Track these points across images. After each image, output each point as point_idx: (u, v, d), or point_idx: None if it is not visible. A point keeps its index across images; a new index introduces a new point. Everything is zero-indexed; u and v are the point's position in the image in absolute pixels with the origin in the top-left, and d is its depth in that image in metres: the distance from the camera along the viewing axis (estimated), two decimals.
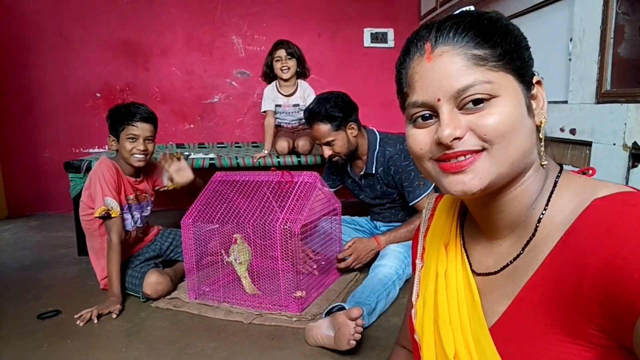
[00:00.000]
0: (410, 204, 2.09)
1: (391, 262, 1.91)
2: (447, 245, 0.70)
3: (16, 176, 3.45)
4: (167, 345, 1.55)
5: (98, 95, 3.49)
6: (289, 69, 2.66)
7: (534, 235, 0.58)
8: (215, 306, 1.83)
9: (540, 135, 0.60)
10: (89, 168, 2.44)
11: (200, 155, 2.74)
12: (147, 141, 1.97)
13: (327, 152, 2.10)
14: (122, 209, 1.93)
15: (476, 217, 0.67)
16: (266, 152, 2.66)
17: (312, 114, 2.07)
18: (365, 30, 3.64)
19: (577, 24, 1.84)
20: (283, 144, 2.68)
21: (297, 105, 2.74)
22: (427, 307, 0.68)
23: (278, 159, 2.64)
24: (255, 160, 2.61)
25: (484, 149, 0.55)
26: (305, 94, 2.71)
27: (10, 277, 2.19)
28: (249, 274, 1.87)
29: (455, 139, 0.55)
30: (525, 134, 0.56)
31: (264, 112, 2.78)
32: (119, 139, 1.96)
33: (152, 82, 3.54)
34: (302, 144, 2.66)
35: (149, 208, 2.13)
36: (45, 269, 2.32)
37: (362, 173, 2.22)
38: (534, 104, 0.59)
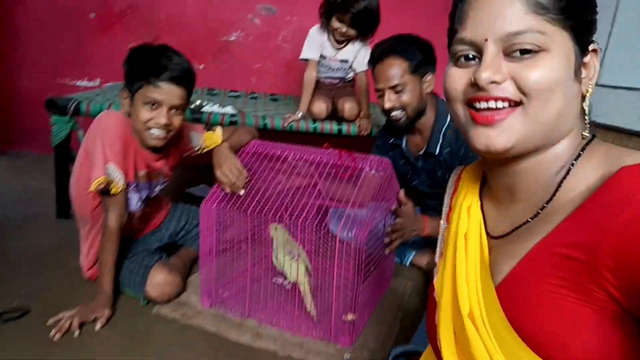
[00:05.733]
0: None
1: None
2: (470, 207, 0.68)
3: None
4: None
5: (92, 15, 2.86)
6: (348, 37, 2.06)
7: (551, 199, 0.56)
8: (239, 322, 1.39)
9: (585, 106, 0.57)
10: (77, 111, 1.90)
11: (217, 109, 2.20)
12: (173, 111, 1.37)
13: (389, 102, 1.61)
14: (128, 185, 1.38)
15: (494, 183, 0.64)
16: (300, 114, 2.13)
17: (388, 46, 1.63)
18: None
19: None
20: (321, 106, 2.14)
21: (346, 61, 2.15)
22: (447, 266, 0.67)
23: (314, 125, 2.13)
24: (286, 124, 2.09)
25: (519, 104, 0.53)
26: (360, 49, 2.11)
27: None
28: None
29: (492, 82, 0.53)
30: (567, 97, 0.53)
31: (305, 60, 2.14)
32: (134, 100, 1.35)
33: (158, 7, 2.89)
34: (349, 107, 2.11)
35: (158, 188, 1.57)
36: (13, 233, 1.83)
37: (421, 152, 1.74)
38: (584, 72, 0.56)
